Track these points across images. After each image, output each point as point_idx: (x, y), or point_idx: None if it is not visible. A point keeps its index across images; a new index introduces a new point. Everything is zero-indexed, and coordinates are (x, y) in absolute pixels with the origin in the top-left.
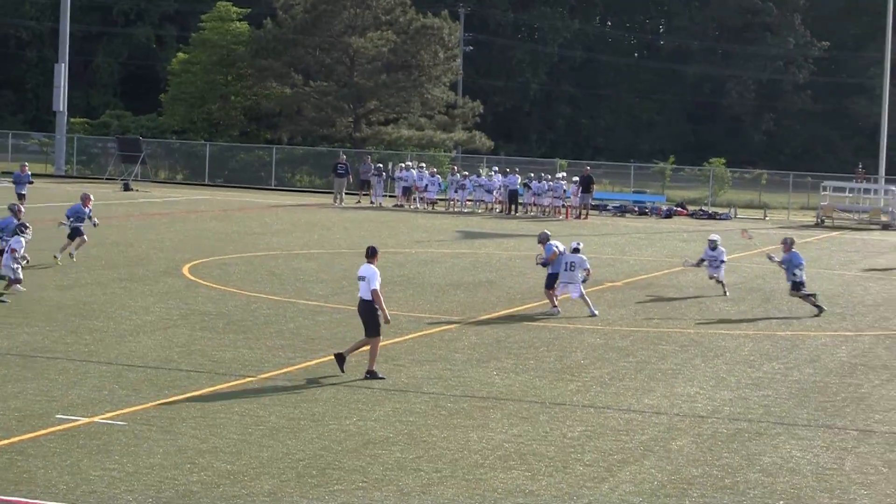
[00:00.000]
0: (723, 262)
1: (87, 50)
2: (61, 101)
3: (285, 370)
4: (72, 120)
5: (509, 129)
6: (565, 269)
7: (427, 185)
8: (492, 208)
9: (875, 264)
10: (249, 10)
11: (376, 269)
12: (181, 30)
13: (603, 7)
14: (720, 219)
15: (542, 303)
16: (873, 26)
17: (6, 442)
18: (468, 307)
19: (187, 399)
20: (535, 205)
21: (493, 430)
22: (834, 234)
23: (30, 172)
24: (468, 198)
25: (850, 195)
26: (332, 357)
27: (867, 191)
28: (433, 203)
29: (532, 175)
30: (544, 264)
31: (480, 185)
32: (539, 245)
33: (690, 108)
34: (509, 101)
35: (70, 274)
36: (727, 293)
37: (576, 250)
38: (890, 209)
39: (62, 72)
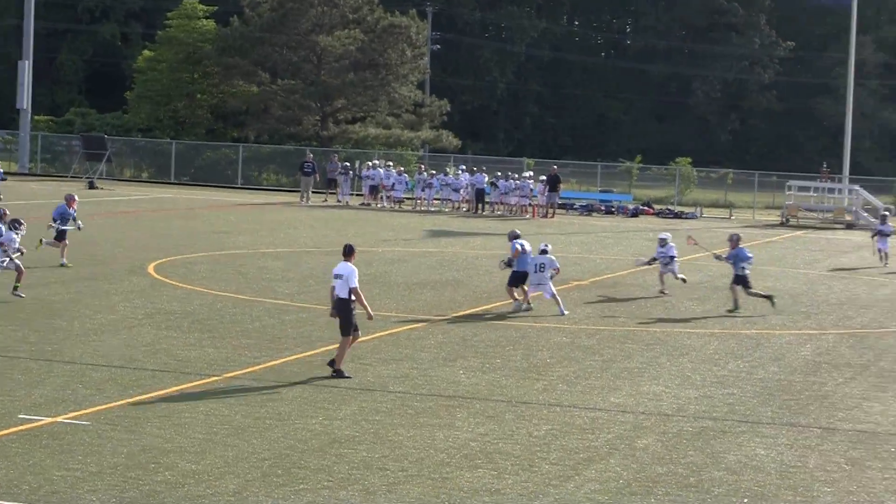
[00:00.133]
0: (673, 257)
1: (51, 47)
2: (25, 99)
3: (251, 369)
4: (36, 117)
5: (476, 127)
6: (535, 271)
7: (394, 183)
8: (459, 207)
9: (839, 263)
10: (216, 7)
11: (354, 268)
12: (147, 27)
13: (570, 6)
14: (686, 218)
15: (508, 301)
16: (838, 27)
17: None
18: (435, 306)
19: (152, 398)
20: (502, 204)
21: (459, 428)
22: (798, 233)
23: (2, 170)
24: (435, 197)
25: (815, 195)
26: (331, 375)
27: (831, 190)
28: (400, 202)
29: (499, 174)
30: (508, 264)
31: (447, 184)
32: (508, 242)
33: (657, 107)
34: (476, 99)
35: (34, 273)
36: (685, 280)
37: (544, 251)
38: (854, 209)
39: (26, 69)
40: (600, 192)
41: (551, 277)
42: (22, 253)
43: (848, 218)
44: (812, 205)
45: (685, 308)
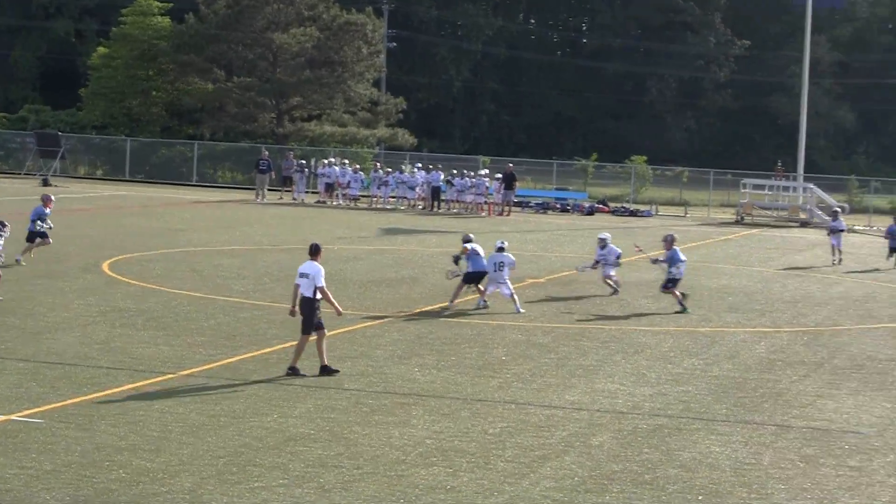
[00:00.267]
0: (618, 256)
1: (4, 44)
2: None
3: (206, 367)
4: None
5: (432, 125)
6: (494, 270)
7: (349, 181)
8: (414, 205)
9: (794, 261)
10: (171, 4)
11: (321, 267)
12: (102, 24)
13: (526, 5)
14: (641, 216)
15: (463, 300)
16: (793, 25)
17: None
18: (390, 304)
19: (106, 396)
20: (457, 201)
21: (415, 426)
22: (753, 231)
23: None
24: (391, 194)
25: (770, 193)
26: (287, 373)
27: (786, 188)
28: (356, 199)
29: (455, 172)
30: (455, 261)
31: (403, 182)
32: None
33: (612, 105)
34: (432, 97)
35: None
36: (618, 291)
37: (500, 249)
38: (808, 207)
39: None
40: (556, 190)
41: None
42: (1, 259)
43: (802, 216)
44: (767, 203)
45: (640, 306)
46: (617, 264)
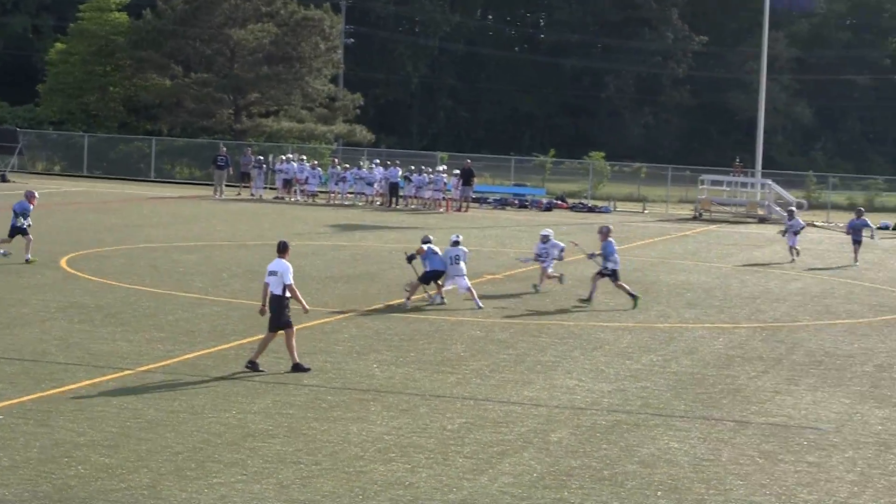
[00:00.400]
0: (561, 249)
1: None
2: None
3: (164, 363)
4: None
5: (390, 121)
6: (451, 263)
7: (307, 177)
8: (372, 201)
9: (752, 258)
10: (129, 0)
11: (289, 264)
12: (59, 19)
13: (484, 0)
14: (600, 212)
15: (421, 296)
16: (751, 21)
17: None
18: (348, 299)
19: (64, 392)
20: (415, 197)
21: (373, 422)
22: (711, 227)
23: None
24: (349, 190)
25: (728, 189)
26: (246, 367)
27: (744, 185)
28: (314, 195)
29: (413, 168)
30: (409, 260)
31: (361, 178)
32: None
33: (570, 101)
34: (390, 93)
35: None
36: (563, 282)
37: (455, 243)
38: (766, 203)
39: None
40: (514, 186)
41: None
42: None
43: (760, 212)
44: (725, 199)
45: (599, 302)
46: (560, 258)
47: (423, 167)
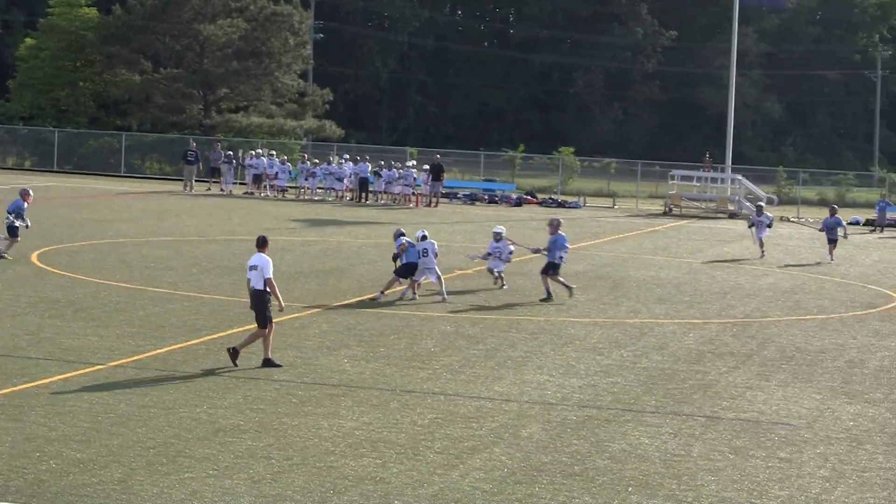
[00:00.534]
0: (510, 252)
1: None
2: None
3: (135, 358)
4: None
5: (360, 117)
6: (421, 256)
7: (277, 172)
8: (342, 196)
9: (722, 253)
10: None
11: (269, 259)
12: (29, 15)
13: None
14: (570, 207)
15: (392, 290)
16: (720, 16)
17: None
18: (318, 295)
19: (36, 387)
20: (385, 193)
21: (344, 417)
22: (682, 222)
23: None
24: (319, 186)
25: (698, 184)
26: (227, 351)
27: (714, 180)
28: (283, 191)
29: (382, 163)
30: (395, 259)
31: (331, 173)
32: (394, 240)
33: (540, 97)
34: (360, 89)
35: None
36: (504, 286)
37: (424, 238)
38: (736, 198)
39: None
40: (483, 181)
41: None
42: None
43: (731, 207)
44: (695, 194)
45: (568, 297)
46: (508, 259)
47: (392, 162)
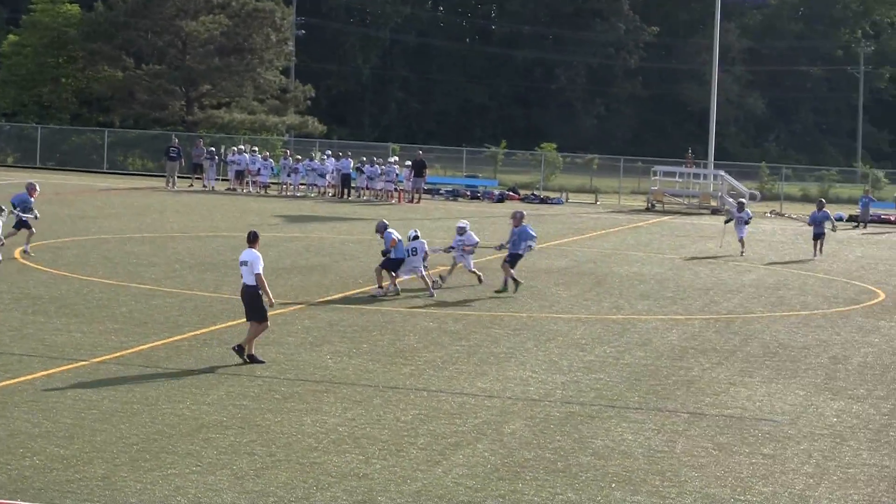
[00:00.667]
0: (475, 243)
1: None
2: None
3: (118, 354)
4: None
5: (342, 113)
6: (409, 255)
7: (260, 168)
8: (325, 192)
9: (705, 249)
10: None
11: (259, 254)
12: (12, 11)
13: None
14: (552, 203)
15: (386, 283)
16: (702, 12)
17: None
18: (301, 291)
19: (19, 383)
20: (368, 189)
21: (327, 413)
22: (664, 218)
23: None
24: (301, 182)
25: (680, 180)
26: (233, 349)
27: (696, 176)
28: (266, 187)
29: (365, 159)
30: (384, 255)
31: (313, 170)
32: (378, 234)
33: (522, 93)
34: (342, 85)
35: None
36: (482, 280)
37: (415, 237)
38: (719, 194)
39: None
40: (466, 177)
41: (425, 259)
42: None
43: (713, 203)
44: (677, 190)
45: (551, 293)
46: (472, 252)
47: (375, 158)
